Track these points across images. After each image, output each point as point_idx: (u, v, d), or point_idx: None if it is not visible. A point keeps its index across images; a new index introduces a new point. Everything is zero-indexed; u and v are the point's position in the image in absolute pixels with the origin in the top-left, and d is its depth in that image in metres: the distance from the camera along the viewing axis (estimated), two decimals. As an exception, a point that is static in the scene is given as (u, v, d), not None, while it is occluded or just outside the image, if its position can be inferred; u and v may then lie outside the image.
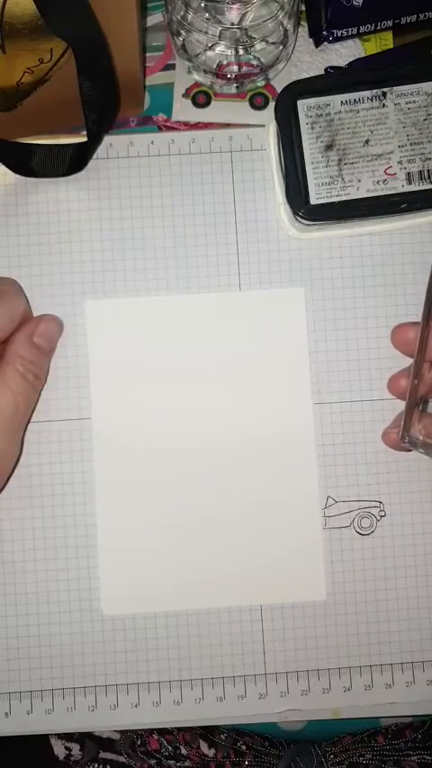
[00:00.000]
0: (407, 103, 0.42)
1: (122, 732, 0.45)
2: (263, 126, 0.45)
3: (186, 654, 0.42)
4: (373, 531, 0.43)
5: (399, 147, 0.42)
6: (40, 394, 0.42)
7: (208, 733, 0.44)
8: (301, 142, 0.42)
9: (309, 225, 0.43)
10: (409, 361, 0.41)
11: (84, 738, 0.45)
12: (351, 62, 0.46)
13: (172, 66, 0.46)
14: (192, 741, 0.43)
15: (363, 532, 0.43)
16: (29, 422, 0.42)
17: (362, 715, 0.42)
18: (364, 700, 0.42)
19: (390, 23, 0.45)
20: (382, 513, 0.43)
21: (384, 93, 0.42)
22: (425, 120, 0.42)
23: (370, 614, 0.42)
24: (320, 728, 0.45)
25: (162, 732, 0.45)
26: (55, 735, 0.44)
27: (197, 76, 0.45)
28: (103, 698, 0.42)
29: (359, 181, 0.42)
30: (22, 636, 0.42)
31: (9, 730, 0.41)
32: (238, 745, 0.44)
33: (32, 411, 0.42)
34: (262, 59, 0.44)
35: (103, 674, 0.42)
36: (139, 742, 0.44)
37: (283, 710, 0.42)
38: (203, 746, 0.44)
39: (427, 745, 0.44)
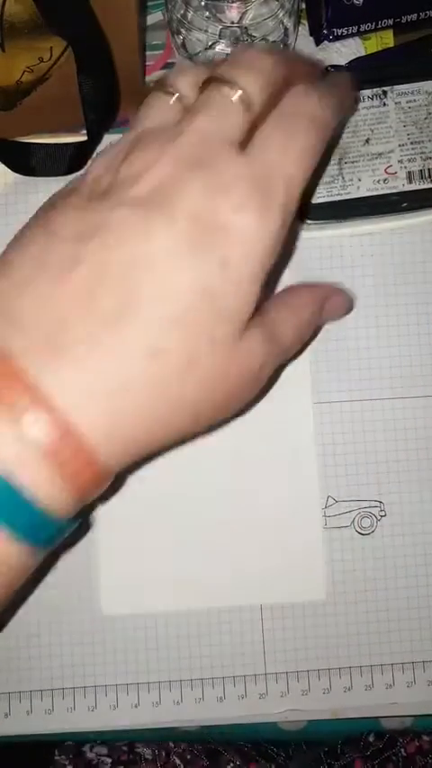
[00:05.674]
0: (407, 102, 0.42)
1: None
2: (263, 125, 0.45)
3: (186, 654, 0.42)
4: (373, 531, 0.43)
5: (399, 146, 0.42)
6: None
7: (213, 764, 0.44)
8: (302, 141, 0.42)
9: (308, 224, 0.43)
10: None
11: None
12: (351, 61, 0.46)
13: (172, 65, 0.46)
14: None
15: (363, 532, 0.42)
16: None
17: (362, 715, 0.42)
18: (365, 700, 0.42)
19: (390, 22, 0.45)
20: (383, 513, 0.43)
21: (385, 92, 0.42)
22: (425, 118, 0.42)
23: (370, 614, 0.42)
24: (321, 729, 0.45)
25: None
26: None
27: (197, 75, 0.45)
28: (102, 698, 0.42)
29: (359, 180, 0.41)
30: (21, 635, 0.42)
31: (9, 731, 0.41)
32: None
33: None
34: (262, 58, 0.43)
35: (102, 674, 0.42)
36: None
37: (284, 710, 0.42)
38: None
39: None
